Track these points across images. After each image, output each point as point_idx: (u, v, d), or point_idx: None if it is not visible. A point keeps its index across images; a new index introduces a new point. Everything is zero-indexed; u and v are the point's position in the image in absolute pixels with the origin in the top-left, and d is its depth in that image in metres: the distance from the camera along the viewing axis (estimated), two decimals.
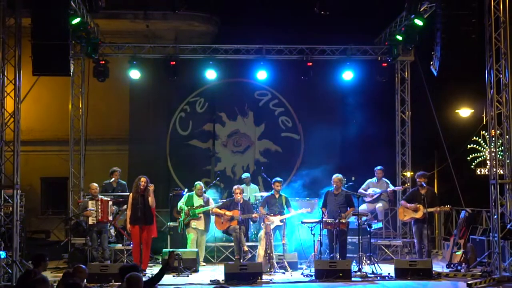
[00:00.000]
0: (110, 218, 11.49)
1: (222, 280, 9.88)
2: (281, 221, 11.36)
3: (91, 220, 11.27)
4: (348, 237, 11.30)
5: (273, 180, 11.84)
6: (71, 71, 11.31)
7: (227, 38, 14.51)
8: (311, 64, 13.42)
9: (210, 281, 10.06)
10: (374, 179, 12.88)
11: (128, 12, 15.92)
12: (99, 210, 11.30)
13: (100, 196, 11.53)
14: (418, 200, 11.19)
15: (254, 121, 15.34)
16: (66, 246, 12.68)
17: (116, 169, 12.95)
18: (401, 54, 13.52)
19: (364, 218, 11.24)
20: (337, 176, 11.30)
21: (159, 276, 7.14)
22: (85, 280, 7.56)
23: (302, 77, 13.51)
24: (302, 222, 11.24)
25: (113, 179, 12.82)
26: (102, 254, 11.40)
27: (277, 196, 11.60)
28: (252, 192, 13.06)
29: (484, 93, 10.69)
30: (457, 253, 11.24)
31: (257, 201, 12.44)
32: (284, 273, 10.72)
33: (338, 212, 10.92)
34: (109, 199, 11.61)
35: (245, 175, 13.59)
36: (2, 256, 9.76)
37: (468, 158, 21.15)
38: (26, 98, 11.94)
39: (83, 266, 7.43)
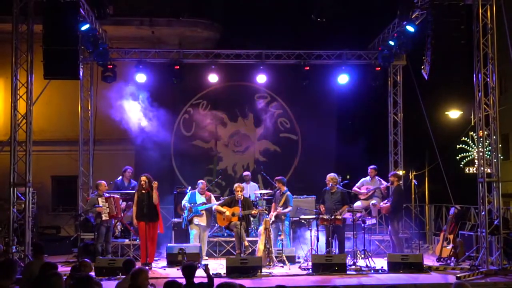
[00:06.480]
0: (122, 214, 11.41)
1: (224, 273, 9.89)
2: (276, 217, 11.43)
3: (104, 216, 11.06)
4: None
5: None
6: (81, 75, 11.30)
7: (229, 43, 14.54)
8: (308, 68, 13.43)
9: (212, 274, 10.04)
10: (368, 178, 12.88)
11: (134, 19, 15.94)
12: (112, 206, 11.20)
13: (106, 194, 11.37)
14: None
15: (254, 122, 15.36)
16: (75, 241, 12.68)
17: (127, 168, 12.87)
18: (394, 59, 13.53)
19: (358, 215, 11.24)
20: (329, 175, 11.34)
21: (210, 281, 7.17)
22: (92, 273, 7.59)
23: (300, 80, 13.51)
24: (300, 218, 11.27)
25: (121, 177, 12.75)
26: (106, 248, 11.34)
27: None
28: (251, 190, 13.06)
29: (473, 96, 10.71)
30: (446, 247, 11.25)
31: (257, 198, 12.45)
32: (282, 266, 10.72)
33: (334, 209, 10.95)
34: (118, 196, 11.47)
35: (246, 173, 13.52)
36: None
37: (457, 157, 21.19)
38: (37, 101, 11.95)
39: (88, 260, 7.46)
